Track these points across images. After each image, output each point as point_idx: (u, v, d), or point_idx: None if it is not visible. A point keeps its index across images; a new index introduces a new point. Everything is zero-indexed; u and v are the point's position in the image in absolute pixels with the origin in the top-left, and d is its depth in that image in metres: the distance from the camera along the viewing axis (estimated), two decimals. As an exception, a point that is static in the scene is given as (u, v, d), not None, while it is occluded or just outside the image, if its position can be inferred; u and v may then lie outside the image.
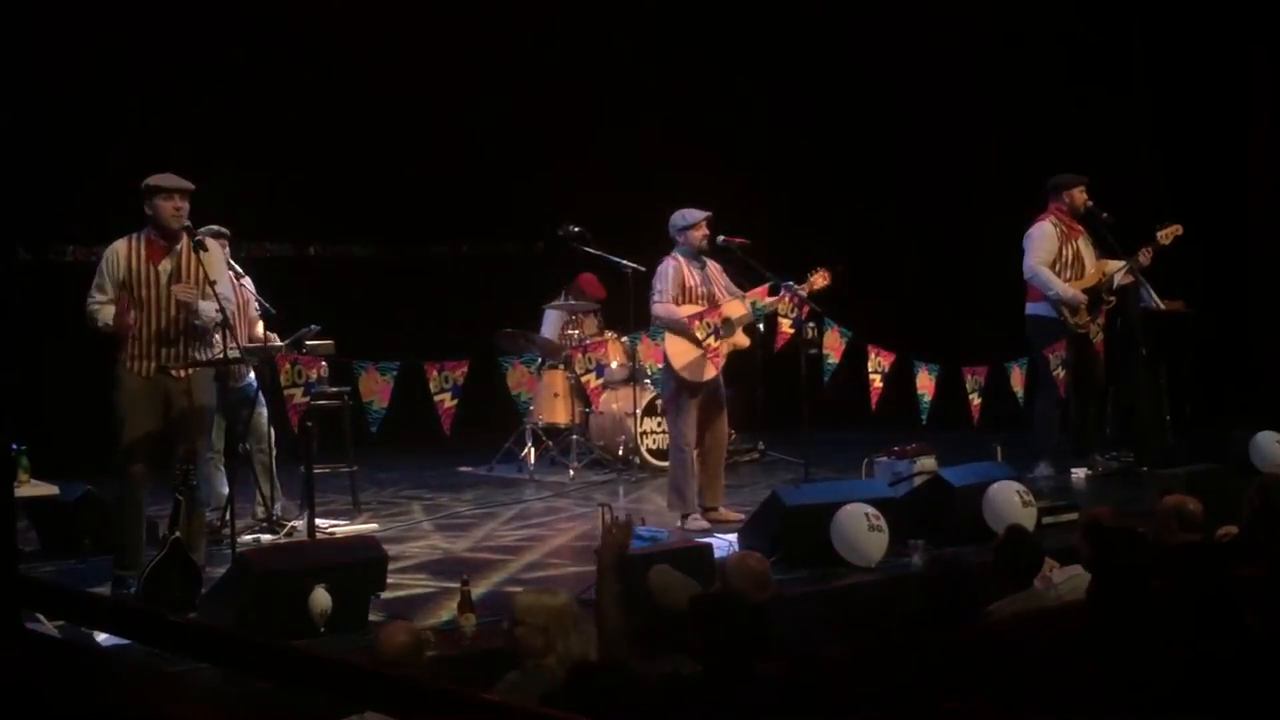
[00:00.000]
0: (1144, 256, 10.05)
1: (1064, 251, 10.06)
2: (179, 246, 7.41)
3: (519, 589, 7.16)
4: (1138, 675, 4.40)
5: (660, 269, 9.04)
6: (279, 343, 8.74)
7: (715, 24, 13.58)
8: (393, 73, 12.76)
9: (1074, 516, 8.31)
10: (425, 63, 12.80)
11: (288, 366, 7.61)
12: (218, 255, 7.66)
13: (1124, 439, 10.73)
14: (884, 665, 4.86)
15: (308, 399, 7.76)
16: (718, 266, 9.19)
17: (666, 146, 13.18)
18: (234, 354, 7.64)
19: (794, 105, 13.99)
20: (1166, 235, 10.06)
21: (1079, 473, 10.19)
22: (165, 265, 7.37)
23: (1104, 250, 10.24)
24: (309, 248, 13.70)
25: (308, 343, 8.74)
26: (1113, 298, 10.12)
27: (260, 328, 9.05)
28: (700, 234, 8.98)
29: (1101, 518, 6.15)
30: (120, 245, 7.39)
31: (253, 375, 8.89)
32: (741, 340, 9.11)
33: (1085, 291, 10.05)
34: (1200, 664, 4.50)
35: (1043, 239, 10.05)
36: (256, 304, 9.05)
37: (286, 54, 12.21)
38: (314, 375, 7.88)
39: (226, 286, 7.65)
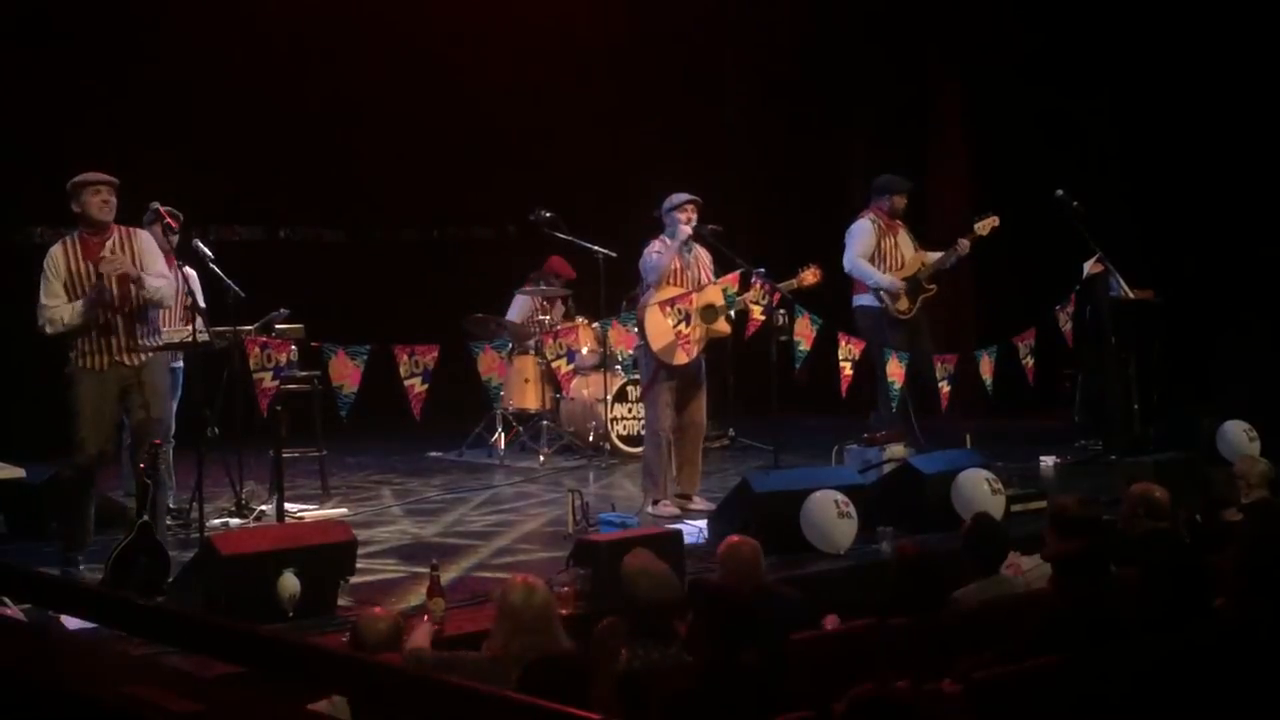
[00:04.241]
0: (961, 247, 10.22)
1: (883, 245, 10.31)
2: (111, 239, 7.40)
3: (488, 574, 7.19)
4: (1100, 662, 4.42)
5: (647, 253, 9.02)
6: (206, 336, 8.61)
7: (686, 10, 13.57)
8: (365, 58, 12.71)
9: (1042, 504, 8.36)
10: (397, 49, 12.76)
11: (257, 350, 7.58)
12: (149, 241, 7.61)
13: (1092, 427, 10.79)
14: (852, 651, 4.87)
15: (277, 383, 7.72)
16: (705, 254, 9.17)
17: (640, 134, 13.17)
18: (203, 337, 7.60)
19: (765, 93, 14.00)
20: (984, 226, 10.26)
21: (1047, 461, 10.23)
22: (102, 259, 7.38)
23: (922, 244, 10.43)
24: (279, 231, 13.65)
25: (277, 326, 8.70)
26: (933, 286, 10.28)
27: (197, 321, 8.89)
28: (686, 215, 8.94)
29: (1068, 506, 6.18)
30: (56, 249, 7.39)
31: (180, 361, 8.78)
32: (722, 328, 9.07)
33: (906, 280, 10.20)
34: (1168, 650, 4.53)
35: (862, 234, 10.31)
36: (189, 294, 8.92)
37: (258, 40, 12.14)
38: (283, 359, 7.84)
39: (161, 269, 7.59)
